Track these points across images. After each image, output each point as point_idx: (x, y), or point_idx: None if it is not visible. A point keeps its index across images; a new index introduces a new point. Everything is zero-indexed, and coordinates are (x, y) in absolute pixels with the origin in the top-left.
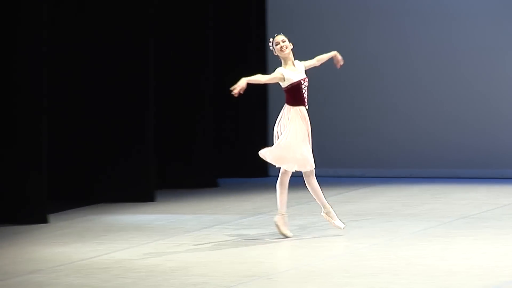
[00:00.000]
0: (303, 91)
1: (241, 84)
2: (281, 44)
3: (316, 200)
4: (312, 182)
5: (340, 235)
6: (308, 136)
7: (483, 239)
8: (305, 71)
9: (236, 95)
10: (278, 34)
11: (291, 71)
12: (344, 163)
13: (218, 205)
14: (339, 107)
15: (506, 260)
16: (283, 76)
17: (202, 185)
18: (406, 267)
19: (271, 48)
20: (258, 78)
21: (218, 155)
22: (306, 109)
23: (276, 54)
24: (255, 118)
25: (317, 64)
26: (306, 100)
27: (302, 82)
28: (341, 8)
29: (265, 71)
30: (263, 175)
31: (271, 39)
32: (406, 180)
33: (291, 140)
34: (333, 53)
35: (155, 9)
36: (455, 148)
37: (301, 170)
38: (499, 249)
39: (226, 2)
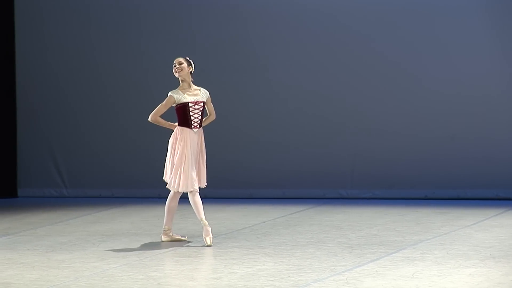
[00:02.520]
0: (191, 113)
1: None
2: (177, 65)
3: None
4: (195, 200)
5: (91, 255)
6: (189, 158)
7: (232, 259)
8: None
9: None
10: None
11: (182, 92)
12: (93, 183)
13: None
14: (90, 127)
15: (254, 280)
16: (174, 98)
17: None
18: (157, 287)
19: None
20: (156, 116)
21: None
22: (195, 131)
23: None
24: (1, 136)
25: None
26: (194, 123)
27: (192, 104)
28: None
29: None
30: (12, 196)
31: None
32: (155, 200)
33: (167, 161)
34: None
35: None
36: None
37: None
38: (248, 268)
39: None
